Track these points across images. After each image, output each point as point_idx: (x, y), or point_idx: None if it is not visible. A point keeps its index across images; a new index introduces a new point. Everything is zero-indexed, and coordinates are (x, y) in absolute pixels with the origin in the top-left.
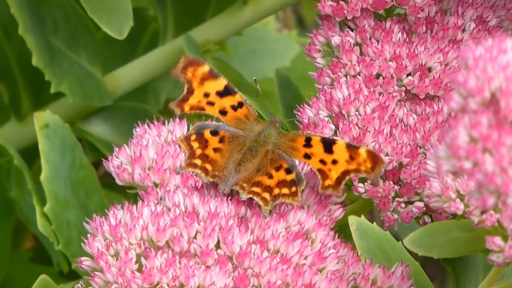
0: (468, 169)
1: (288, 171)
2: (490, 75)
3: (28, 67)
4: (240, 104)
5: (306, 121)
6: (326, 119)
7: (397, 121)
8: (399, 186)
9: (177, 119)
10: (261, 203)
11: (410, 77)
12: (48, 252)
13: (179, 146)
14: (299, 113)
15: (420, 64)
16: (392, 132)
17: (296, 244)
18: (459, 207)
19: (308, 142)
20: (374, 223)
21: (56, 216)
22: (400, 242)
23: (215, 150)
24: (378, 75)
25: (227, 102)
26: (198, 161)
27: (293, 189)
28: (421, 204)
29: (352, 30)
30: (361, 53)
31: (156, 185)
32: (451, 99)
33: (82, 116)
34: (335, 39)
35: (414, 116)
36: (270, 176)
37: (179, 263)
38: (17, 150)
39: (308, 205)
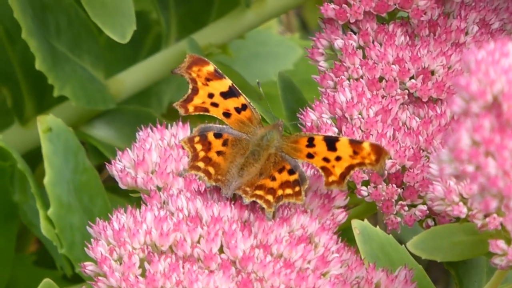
0: (470, 173)
1: (291, 172)
2: (492, 78)
3: (31, 71)
4: (244, 107)
5: (309, 124)
6: (329, 122)
7: (400, 124)
8: (402, 189)
9: (180, 123)
10: (264, 205)
11: (413, 80)
12: (52, 256)
13: (182, 148)
14: (302, 116)
15: (423, 67)
16: (395, 135)
17: (299, 248)
18: (462, 211)
19: (310, 142)
20: (377, 226)
21: (60, 220)
22: (403, 245)
23: (218, 153)
24: (381, 78)
25: (231, 103)
26: (201, 164)
27: (297, 188)
28: (424, 207)
29: (355, 33)
30: (364, 56)
31: (159, 188)
32: (453, 102)
33: (85, 119)
34: (338, 42)
35: (417, 119)
36: (273, 179)
37: (183, 267)
38: (20, 154)
39: (311, 209)
